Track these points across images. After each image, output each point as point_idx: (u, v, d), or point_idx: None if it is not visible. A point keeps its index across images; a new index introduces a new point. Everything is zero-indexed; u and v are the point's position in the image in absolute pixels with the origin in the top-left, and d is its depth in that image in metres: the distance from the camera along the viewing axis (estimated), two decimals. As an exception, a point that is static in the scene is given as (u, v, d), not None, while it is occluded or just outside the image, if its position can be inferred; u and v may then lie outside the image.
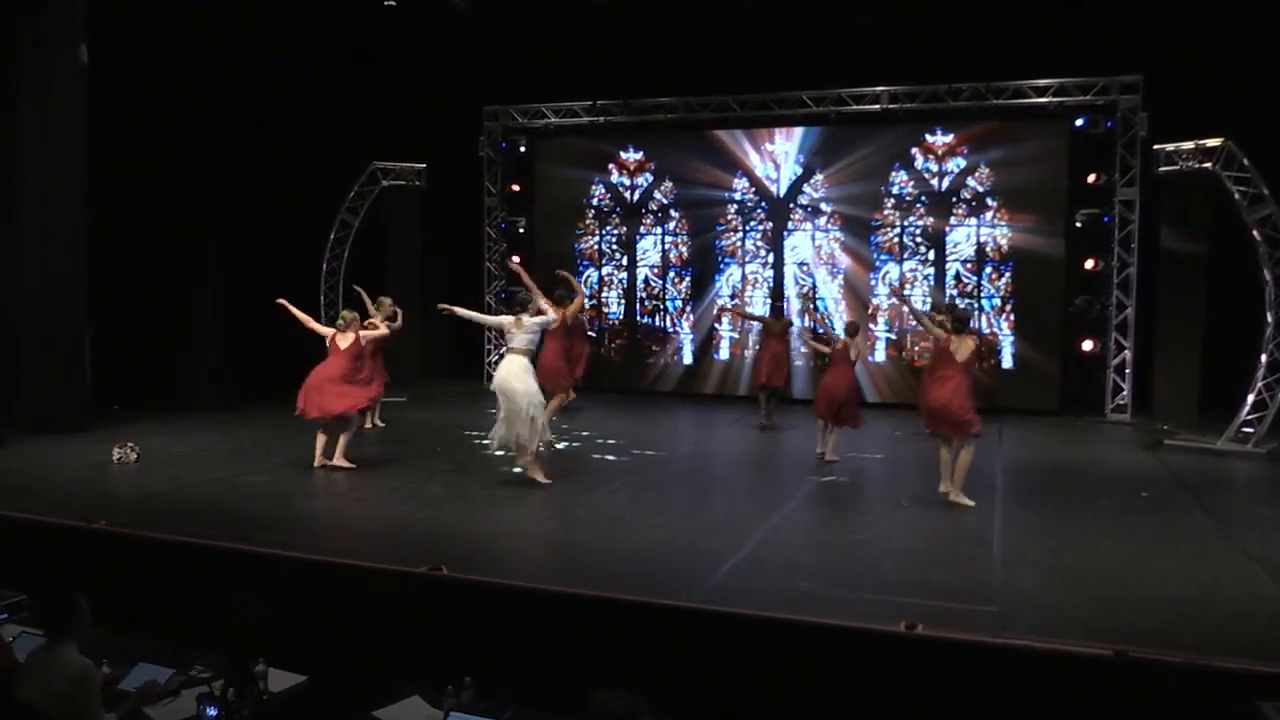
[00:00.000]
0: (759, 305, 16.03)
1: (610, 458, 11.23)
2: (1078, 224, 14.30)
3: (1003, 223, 14.85)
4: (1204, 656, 5.33)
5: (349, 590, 6.86)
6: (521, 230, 16.96)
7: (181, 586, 7.09)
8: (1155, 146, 13.15)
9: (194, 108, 13.97)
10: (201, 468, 10.24)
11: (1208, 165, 12.36)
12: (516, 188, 16.91)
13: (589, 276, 16.95)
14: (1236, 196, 11.97)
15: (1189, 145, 12.65)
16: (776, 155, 15.83)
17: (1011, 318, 14.87)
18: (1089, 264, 14.31)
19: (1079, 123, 14.21)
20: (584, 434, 12.69)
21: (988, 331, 14.97)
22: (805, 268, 15.86)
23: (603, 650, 6.09)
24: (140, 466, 10.25)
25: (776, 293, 15.50)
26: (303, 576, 7.03)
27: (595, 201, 16.86)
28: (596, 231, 16.92)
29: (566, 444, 12.01)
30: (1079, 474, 10.89)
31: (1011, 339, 14.87)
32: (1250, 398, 11.91)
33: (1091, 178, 14.17)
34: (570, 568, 7.13)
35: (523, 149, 16.78)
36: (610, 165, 16.68)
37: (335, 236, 15.38)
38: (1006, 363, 14.90)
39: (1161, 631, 5.87)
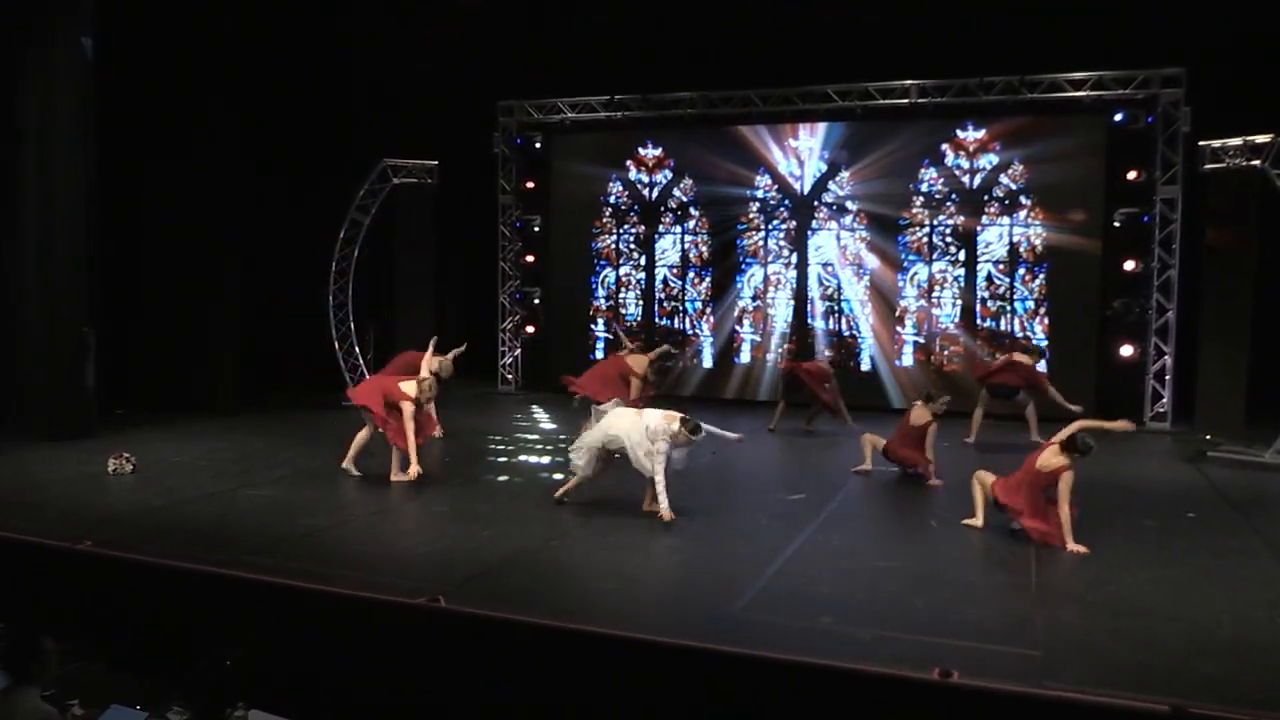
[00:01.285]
0: (781, 306, 15.50)
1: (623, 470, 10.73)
2: (1116, 223, 13.73)
3: (1037, 222, 14.27)
4: (1269, 713, 4.85)
5: (341, 621, 6.46)
6: (537, 229, 16.52)
7: (164, 615, 6.69)
8: (1200, 143, 12.54)
9: (202, 105, 13.56)
10: (200, 480, 9.83)
11: (1256, 162, 11.78)
12: (531, 185, 16.45)
13: (606, 276, 16.48)
14: (1287, 196, 11.36)
15: (1236, 141, 12.04)
16: (800, 151, 15.30)
17: (1046, 321, 14.30)
18: (1128, 265, 13.70)
19: (1118, 117, 13.61)
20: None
21: (1020, 335, 14.40)
22: (830, 268, 15.34)
23: (607, 693, 5.68)
24: (137, 478, 9.86)
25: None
26: (292, 606, 6.62)
27: (612, 199, 16.39)
28: (614, 230, 16.45)
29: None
30: (1118, 490, 10.29)
31: (1045, 344, 14.23)
32: (1300, 408, 11.30)
33: (1131, 175, 13.58)
34: (577, 599, 6.67)
35: (538, 145, 16.32)
36: (628, 162, 16.20)
37: (345, 236, 14.97)
38: (1040, 368, 14.20)
39: (1221, 682, 5.36)
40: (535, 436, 12.72)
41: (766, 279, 15.66)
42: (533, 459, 11.32)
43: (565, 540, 7.97)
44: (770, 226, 15.60)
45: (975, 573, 7.28)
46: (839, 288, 15.26)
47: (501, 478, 10.30)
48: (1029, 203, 14.28)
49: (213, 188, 13.63)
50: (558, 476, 10.35)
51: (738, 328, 15.83)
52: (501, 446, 12.06)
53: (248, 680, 5.06)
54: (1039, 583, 7.02)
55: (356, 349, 15.20)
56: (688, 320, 16.15)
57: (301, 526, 8.25)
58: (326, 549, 7.69)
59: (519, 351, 16.82)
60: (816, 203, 15.30)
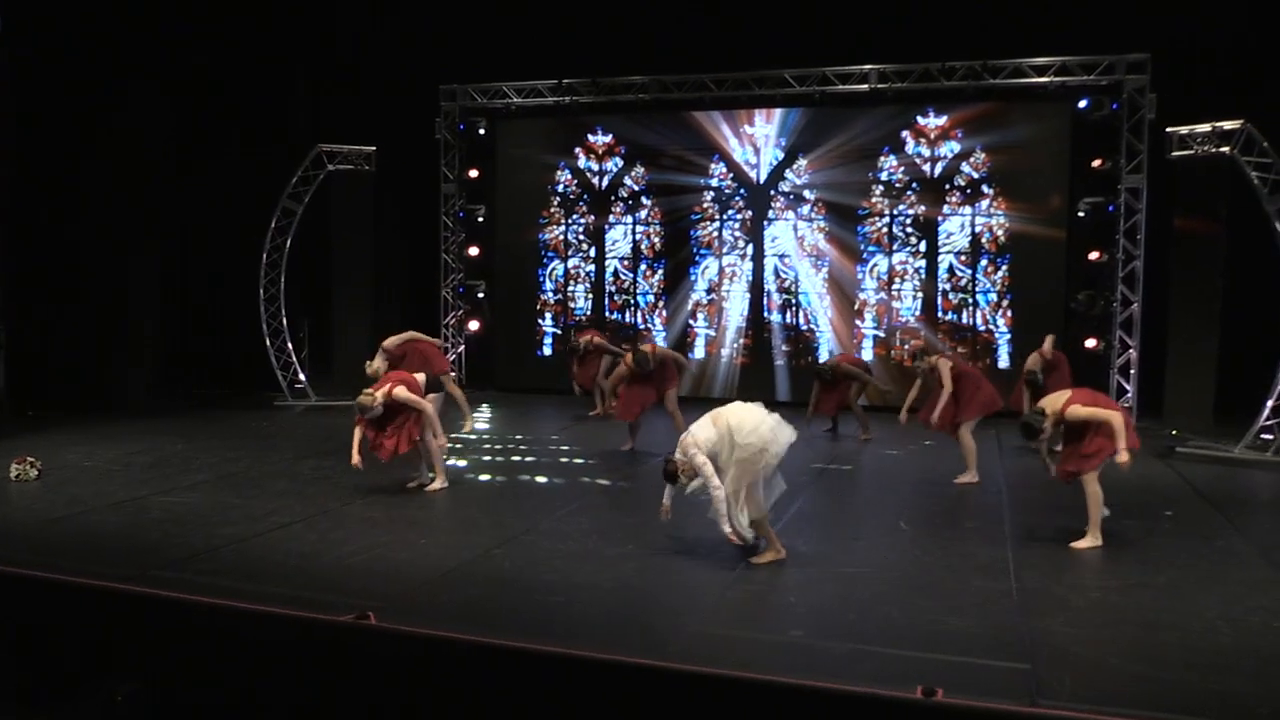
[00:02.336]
0: (737, 299, 14.97)
1: (573, 468, 10.14)
2: (1080, 213, 13.41)
3: (1000, 211, 13.94)
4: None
5: (256, 644, 5.77)
6: (481, 219, 15.80)
7: (50, 641, 5.94)
8: (1168, 130, 12.18)
9: (121, 88, 12.72)
10: (110, 487, 9.10)
11: (1225, 149, 11.42)
12: (475, 174, 15.71)
13: (554, 269, 15.83)
14: (1256, 183, 11.03)
15: (1204, 128, 11.69)
16: (756, 138, 14.82)
17: (1009, 314, 13.98)
18: (1092, 256, 13.36)
19: (1082, 104, 13.29)
20: (543, 442, 11.57)
21: (983, 328, 14.01)
22: (787, 260, 14.86)
23: (555, 718, 5.14)
24: (40, 485, 9.12)
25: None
26: (199, 628, 5.91)
27: (561, 188, 15.78)
28: (562, 221, 15.84)
29: (519, 457, 10.89)
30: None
31: (1009, 336, 13.96)
32: (1270, 402, 10.99)
33: (1096, 163, 13.25)
34: (519, 613, 6.02)
35: (482, 132, 15.60)
36: (577, 149, 15.61)
37: (276, 225, 14.13)
38: (1003, 362, 13.98)
39: (1224, 697, 4.95)
40: (477, 438, 12.01)
41: (721, 271, 15.14)
42: (475, 461, 10.62)
43: (510, 548, 7.32)
44: (725, 216, 15.09)
45: (952, 578, 6.77)
46: (796, 280, 14.79)
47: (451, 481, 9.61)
48: (991, 192, 13.94)
49: (132, 176, 12.77)
50: (500, 479, 9.74)
51: (691, 322, 15.31)
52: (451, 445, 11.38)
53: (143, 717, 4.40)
54: (1020, 588, 6.59)
55: (289, 345, 14.37)
56: (639, 314, 15.58)
57: (219, 537, 7.52)
58: (244, 562, 6.99)
59: (463, 348, 16.11)
60: (773, 192, 14.82)
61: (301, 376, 14.42)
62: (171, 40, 12.98)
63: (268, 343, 14.24)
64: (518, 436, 12.04)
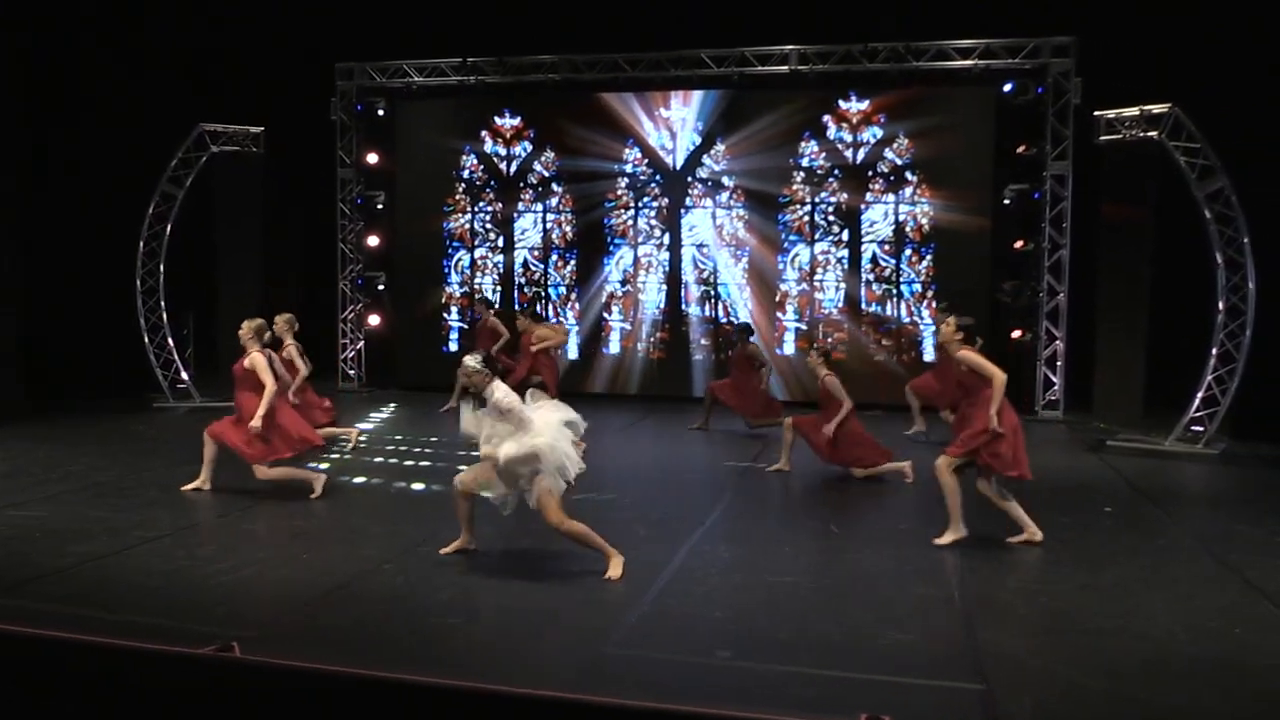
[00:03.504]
0: (653, 291, 14.33)
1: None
2: (1005, 201, 13.15)
3: (924, 199, 13.59)
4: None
5: (99, 682, 4.89)
6: (380, 206, 14.89)
7: None
8: (1095, 114, 11.84)
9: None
10: (-51, 498, 8.00)
11: (1153, 134, 11.09)
12: (375, 158, 14.76)
13: (459, 260, 14.98)
14: (1184, 168, 10.73)
15: (1132, 112, 11.36)
16: (672, 122, 14.24)
17: (933, 305, 13.50)
18: (1018, 245, 13.09)
19: (1006, 89, 13.00)
20: (446, 445, 10.74)
21: (907, 320, 13.61)
22: (705, 250, 14.30)
23: None
24: None
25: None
26: (31, 663, 4.99)
27: (466, 174, 14.97)
28: (468, 208, 15.03)
29: (413, 461, 10.08)
30: (1024, 485, 9.41)
31: (933, 329, 13.47)
32: (1199, 393, 10.71)
33: (1020, 149, 13.00)
34: (411, 639, 5.26)
35: (381, 113, 14.69)
36: (483, 132, 14.82)
37: (155, 211, 13.01)
38: (928, 355, 13.55)
39: (1194, 709, 4.56)
40: (374, 440, 11.13)
41: (637, 261, 14.52)
42: (369, 466, 9.76)
43: (404, 562, 6.52)
44: (640, 204, 14.48)
45: (889, 586, 6.20)
46: (715, 270, 14.25)
47: (331, 489, 8.73)
48: (915, 179, 13.57)
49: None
50: (399, 484, 8.92)
51: (606, 315, 14.66)
52: (334, 453, 10.47)
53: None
54: (964, 595, 6.05)
55: (170, 342, 13.26)
56: (551, 307, 14.84)
57: (71, 555, 6.57)
58: (96, 584, 6.09)
59: (362, 344, 15.16)
60: (690, 178, 14.26)
61: (184, 375, 13.33)
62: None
63: (146, 339, 13.12)
64: (419, 438, 11.19)
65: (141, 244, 13.02)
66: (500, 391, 6.12)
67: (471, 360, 6.23)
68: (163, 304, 13.18)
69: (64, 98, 12.87)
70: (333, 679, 4.62)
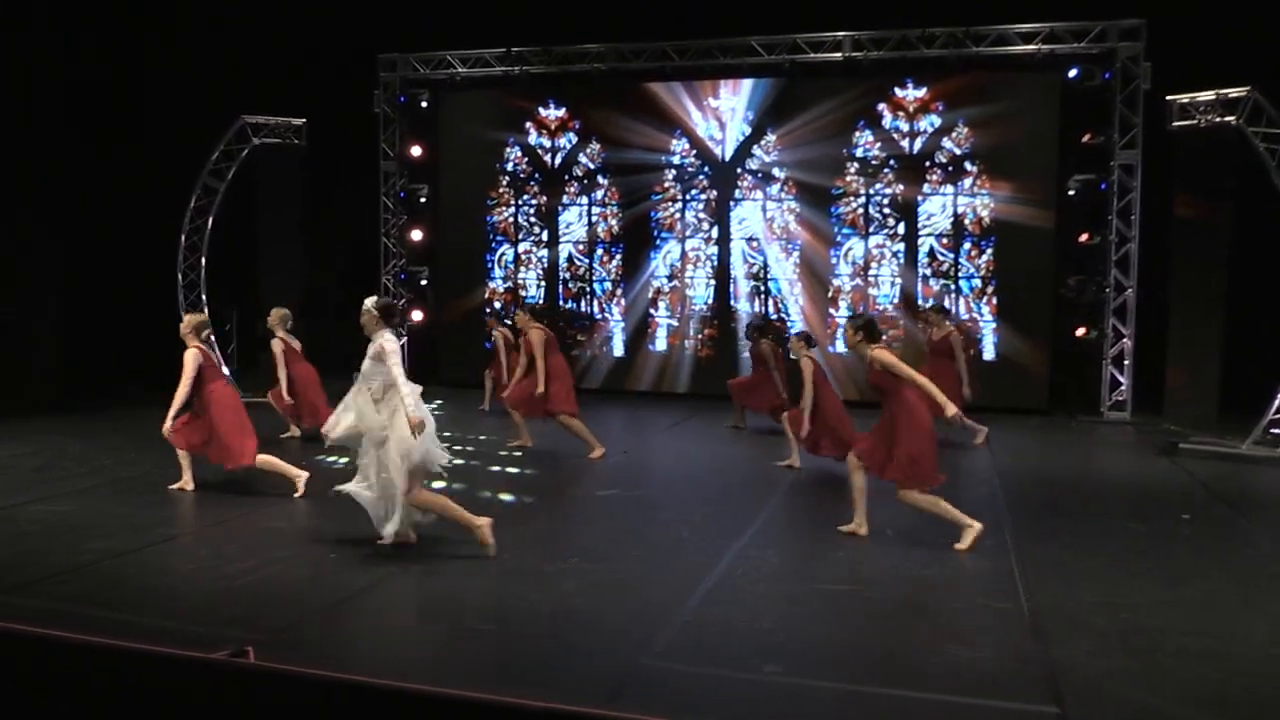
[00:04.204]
0: (701, 286, 13.95)
1: (513, 473, 9.02)
2: (1070, 192, 12.63)
3: (984, 191, 13.07)
4: None
5: (104, 686, 4.62)
6: (424, 200, 14.69)
7: None
8: (1167, 98, 11.27)
9: (14, 50, 11.41)
10: (-22, 492, 7.85)
11: (1230, 119, 10.49)
12: (418, 150, 14.53)
13: (503, 254, 14.71)
14: (1265, 155, 10.13)
15: (1207, 96, 10.78)
16: (721, 112, 13.84)
17: (993, 301, 13.08)
18: (1083, 238, 12.57)
19: (1072, 74, 12.50)
20: (483, 442, 10.45)
21: (965, 317, 13.08)
22: (755, 244, 13.89)
23: None
24: (-105, 492, 7.84)
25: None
26: (34, 665, 4.73)
27: (510, 166, 14.70)
28: (512, 201, 14.76)
29: (463, 460, 9.78)
30: (1093, 489, 9.07)
31: (993, 326, 13.07)
32: (1281, 394, 10.07)
33: (1086, 138, 12.47)
34: (437, 646, 4.94)
35: (425, 105, 14.46)
36: (528, 124, 14.54)
37: (196, 205, 12.87)
38: (988, 354, 13.09)
39: None
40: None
41: (684, 256, 14.15)
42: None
43: (432, 565, 6.17)
44: (688, 197, 14.12)
45: (952, 596, 5.75)
46: (765, 265, 13.84)
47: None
48: (975, 169, 13.07)
49: (28, 147, 11.49)
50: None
51: (652, 311, 14.30)
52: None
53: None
54: (1033, 607, 5.54)
55: (212, 337, 13.04)
56: (596, 303, 14.54)
57: (90, 553, 6.33)
58: (113, 582, 5.84)
59: (404, 340, 14.86)
60: (740, 170, 13.85)
61: (225, 370, 13.13)
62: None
63: (187, 332, 12.93)
64: (458, 436, 10.88)
65: (183, 237, 12.90)
66: (389, 340, 6.15)
67: (369, 301, 6.35)
68: (204, 297, 13.03)
69: (107, 90, 12.75)
70: (349, 689, 4.30)
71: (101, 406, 12.15)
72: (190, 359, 7.81)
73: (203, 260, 13.01)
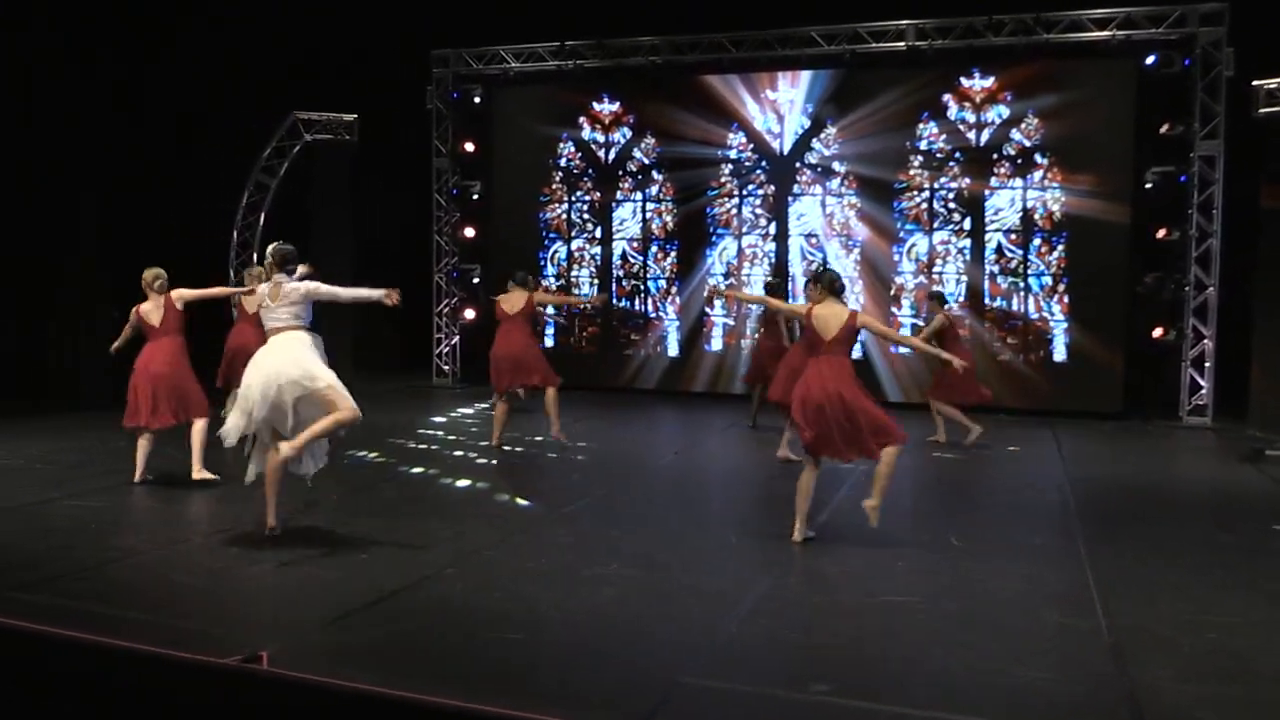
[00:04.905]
0: (758, 284, 13.56)
1: (558, 474, 8.75)
2: (1147, 185, 12.00)
3: (1055, 184, 12.52)
4: None
5: (106, 690, 4.43)
6: (476, 197, 14.49)
7: None
8: (1254, 83, 10.63)
9: (64, 44, 11.45)
10: (17, 487, 7.80)
11: (1322, 106, 9.86)
12: (470, 146, 14.34)
13: (556, 252, 14.48)
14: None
15: (1297, 81, 10.14)
16: (780, 105, 13.45)
17: (1065, 300, 12.52)
18: (1161, 234, 11.92)
19: (1149, 61, 11.91)
20: (531, 442, 10.18)
21: (1035, 316, 12.54)
22: (814, 240, 13.49)
23: None
24: (-61, 484, 7.79)
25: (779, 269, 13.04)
26: (33, 666, 4.54)
27: (564, 162, 14.46)
28: (565, 198, 14.51)
29: (495, 460, 9.53)
30: (1173, 497, 8.55)
31: (1065, 326, 12.51)
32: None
33: (1164, 128, 11.83)
34: (461, 655, 4.61)
35: (477, 100, 14.27)
36: (581, 118, 14.28)
37: (248, 201, 12.82)
38: (1059, 355, 12.54)
39: None
40: (461, 437, 10.63)
41: (741, 253, 13.77)
42: (450, 464, 9.23)
43: (468, 566, 5.89)
44: (745, 192, 13.72)
45: (1023, 611, 5.30)
46: (825, 262, 13.34)
47: (399, 489, 8.23)
48: (1045, 162, 12.52)
49: (80, 142, 11.51)
50: (482, 486, 8.34)
51: (708, 310, 13.93)
52: (422, 446, 10.04)
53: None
54: (1111, 625, 5.07)
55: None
56: (650, 301, 14.22)
57: (113, 550, 6.16)
58: (133, 580, 5.65)
59: (457, 339, 14.72)
60: (799, 164, 13.45)
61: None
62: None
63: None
64: (516, 436, 10.67)
65: (235, 234, 12.84)
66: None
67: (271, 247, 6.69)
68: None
69: (158, 87, 12.75)
70: (363, 699, 4.02)
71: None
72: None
73: (254, 257, 12.92)
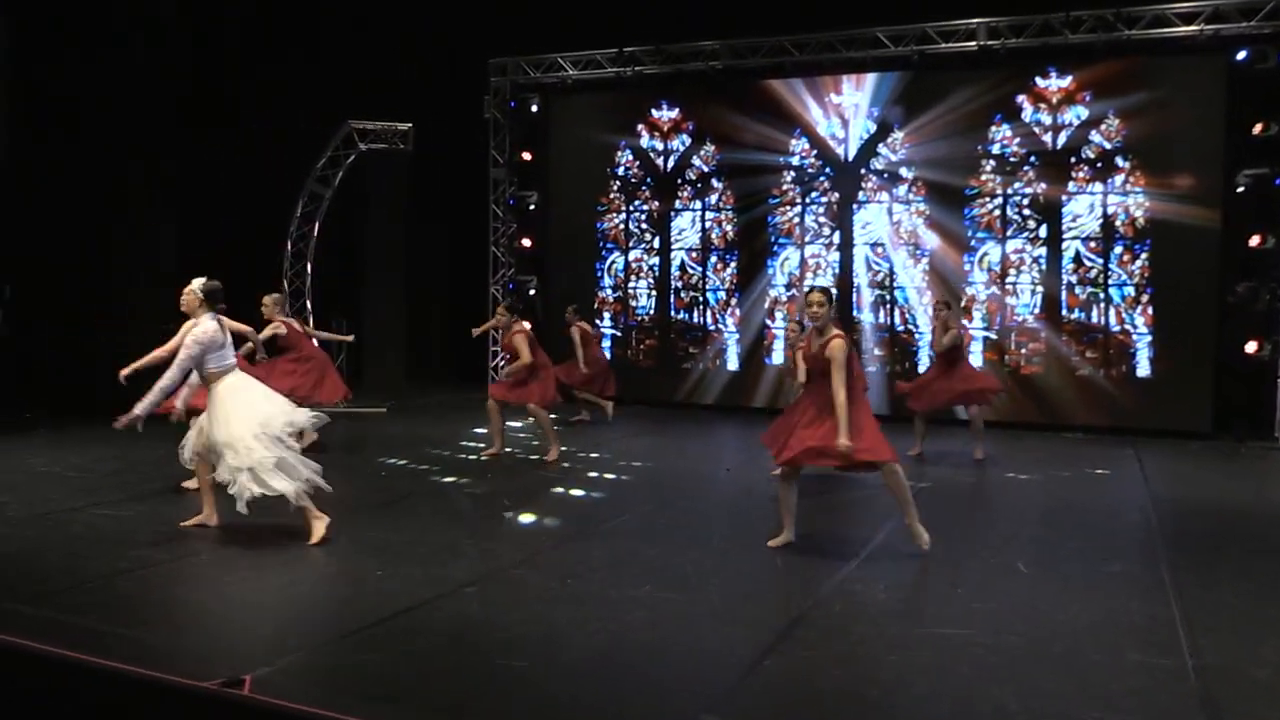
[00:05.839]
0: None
1: (600, 493, 8.33)
2: (1239, 189, 11.23)
3: (1138, 189, 11.79)
4: None
5: (90, 705, 4.19)
6: (533, 207, 14.23)
7: None
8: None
9: (122, 55, 11.48)
10: (48, 496, 7.68)
11: None
12: (527, 156, 14.10)
13: (613, 263, 14.15)
14: None
15: (1406, 73, 9.36)
16: (844, 109, 12.94)
17: (1149, 311, 11.76)
18: (1254, 241, 11.13)
19: (1240, 57, 11.16)
20: (584, 459, 9.81)
21: (1117, 329, 11.81)
22: (880, 249, 12.91)
23: None
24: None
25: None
26: (27, 677, 4.31)
27: (621, 171, 14.12)
28: (622, 207, 14.16)
29: (538, 474, 9.16)
30: (1270, 525, 7.76)
31: (1149, 339, 11.74)
32: None
33: (1257, 129, 11.02)
34: (463, 684, 4.22)
35: (535, 109, 14.01)
36: (639, 126, 13.96)
37: (302, 211, 12.70)
38: (1142, 369, 11.77)
39: None
40: (508, 449, 10.28)
41: (803, 263, 13.25)
42: (492, 476, 8.90)
43: (490, 585, 5.52)
44: (808, 200, 13.21)
45: (1095, 648, 4.73)
46: (891, 272, 12.86)
47: (440, 499, 7.92)
48: (1127, 165, 11.80)
49: (135, 153, 11.52)
50: (517, 500, 7.98)
51: (769, 322, 13.44)
52: (460, 457, 9.73)
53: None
54: (1200, 666, 4.50)
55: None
56: (709, 313, 13.75)
57: (129, 560, 5.94)
58: (139, 594, 5.44)
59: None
60: (864, 170, 12.91)
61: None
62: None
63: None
64: (570, 451, 10.34)
65: (289, 244, 12.73)
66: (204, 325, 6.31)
67: (196, 282, 6.53)
68: (308, 305, 12.83)
69: (216, 95, 12.74)
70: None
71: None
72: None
73: (308, 268, 12.79)
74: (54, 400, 11.50)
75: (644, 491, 8.38)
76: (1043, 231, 12.15)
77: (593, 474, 8.99)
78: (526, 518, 7.34)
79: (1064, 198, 12.06)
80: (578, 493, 8.19)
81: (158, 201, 12.23)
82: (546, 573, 5.76)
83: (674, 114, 13.77)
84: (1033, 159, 12.15)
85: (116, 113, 11.58)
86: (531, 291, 14.25)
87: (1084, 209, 12.00)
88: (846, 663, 4.46)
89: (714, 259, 13.75)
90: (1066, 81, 11.94)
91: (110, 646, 4.40)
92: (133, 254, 11.98)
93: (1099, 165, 11.89)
